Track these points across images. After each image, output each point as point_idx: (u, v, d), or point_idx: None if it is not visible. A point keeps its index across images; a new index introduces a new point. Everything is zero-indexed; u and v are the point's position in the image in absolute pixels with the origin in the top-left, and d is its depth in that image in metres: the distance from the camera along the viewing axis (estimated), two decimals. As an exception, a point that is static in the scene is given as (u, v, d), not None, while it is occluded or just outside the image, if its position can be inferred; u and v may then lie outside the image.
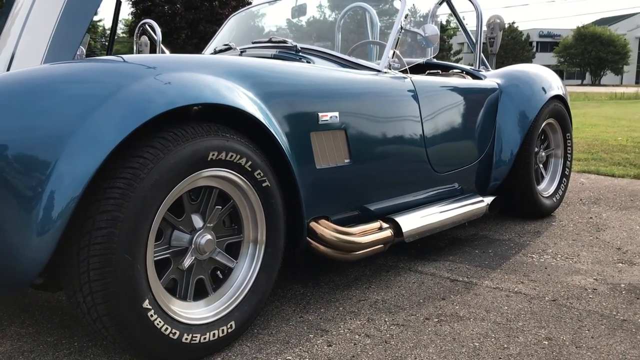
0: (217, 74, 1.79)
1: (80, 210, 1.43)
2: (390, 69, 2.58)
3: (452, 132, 2.84)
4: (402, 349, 1.78)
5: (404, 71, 2.64)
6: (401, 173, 2.52)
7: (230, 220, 1.84)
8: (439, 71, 3.42)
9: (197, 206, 1.73)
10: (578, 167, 5.28)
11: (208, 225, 1.72)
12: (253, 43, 2.83)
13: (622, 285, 2.33)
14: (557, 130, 3.56)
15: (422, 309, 2.09)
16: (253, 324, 1.93)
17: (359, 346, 1.80)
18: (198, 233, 1.69)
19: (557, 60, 59.94)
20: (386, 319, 2.00)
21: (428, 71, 3.40)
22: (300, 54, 2.57)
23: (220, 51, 2.94)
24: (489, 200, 2.95)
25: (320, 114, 2.08)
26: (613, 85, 45.57)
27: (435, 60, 3.57)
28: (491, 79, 3.32)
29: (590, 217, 3.46)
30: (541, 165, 3.51)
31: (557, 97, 3.44)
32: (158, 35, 4.09)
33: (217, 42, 3.27)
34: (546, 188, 3.52)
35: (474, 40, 3.52)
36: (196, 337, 1.65)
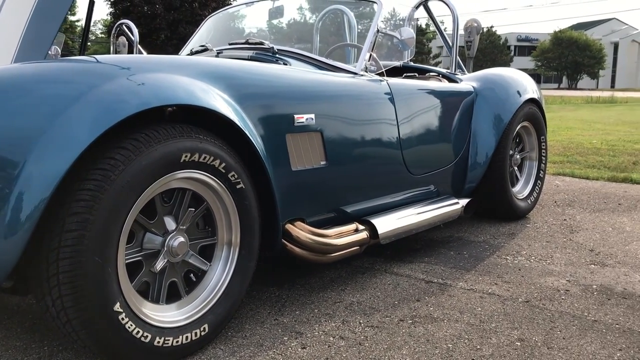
0: (192, 75, 1.78)
1: (50, 212, 1.41)
2: (366, 72, 2.59)
3: (428, 134, 2.86)
4: (376, 351, 1.79)
5: (381, 74, 2.65)
6: (377, 175, 2.53)
7: (204, 223, 1.83)
8: (416, 74, 3.45)
9: (170, 208, 1.71)
10: (553, 169, 5.35)
11: (181, 227, 1.71)
12: (230, 44, 2.82)
13: (594, 286, 2.37)
14: (531, 133, 3.60)
15: (397, 310, 2.10)
16: (227, 327, 1.92)
17: (333, 348, 1.80)
18: (171, 235, 1.68)
19: (535, 64, 60.69)
20: (361, 321, 2.00)
21: (405, 74, 3.42)
22: (277, 55, 2.57)
23: (197, 52, 2.92)
24: (464, 202, 2.98)
25: (296, 116, 2.08)
26: (589, 89, 46.26)
27: (412, 64, 3.60)
28: (467, 82, 3.35)
29: (564, 219, 3.50)
30: (516, 168, 3.55)
31: (532, 101, 3.49)
32: (135, 36, 4.06)
33: (194, 43, 3.25)
34: (521, 190, 3.56)
35: (450, 44, 3.54)
36: (168, 340, 1.63)
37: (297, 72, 2.29)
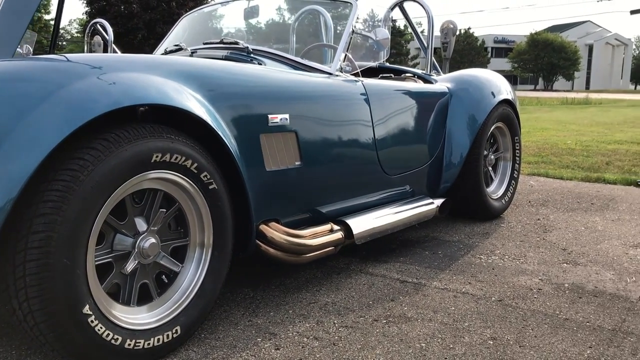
0: (165, 75, 1.77)
1: (16, 213, 1.38)
2: (342, 72, 2.59)
3: (403, 135, 2.87)
4: (349, 351, 1.78)
5: (356, 74, 2.65)
6: (352, 176, 2.53)
7: (176, 224, 1.81)
8: (392, 75, 3.46)
9: (141, 209, 1.69)
10: (528, 169, 5.41)
11: (152, 228, 1.69)
12: (204, 44, 2.81)
13: (566, 285, 2.40)
14: (505, 133, 3.64)
15: (371, 310, 2.10)
16: (200, 329, 1.90)
17: (306, 349, 1.80)
18: (142, 237, 1.66)
19: (511, 65, 61.41)
20: (335, 321, 2.00)
21: (381, 75, 3.43)
22: (251, 55, 2.56)
23: (171, 52, 2.89)
24: (439, 202, 2.99)
25: (270, 116, 2.07)
26: (564, 91, 46.96)
27: (387, 64, 3.61)
28: (442, 83, 3.37)
29: (538, 219, 3.54)
30: (490, 168, 3.59)
31: (506, 102, 3.52)
32: (110, 35, 4.02)
33: (168, 42, 3.22)
34: (495, 190, 3.59)
35: (426, 45, 3.56)
36: (140, 342, 1.61)
37: (271, 72, 2.28)
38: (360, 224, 2.43)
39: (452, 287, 2.34)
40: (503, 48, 69.36)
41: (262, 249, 2.06)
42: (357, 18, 2.78)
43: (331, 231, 2.31)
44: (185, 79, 1.82)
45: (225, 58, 2.53)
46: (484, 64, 54.40)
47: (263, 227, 2.06)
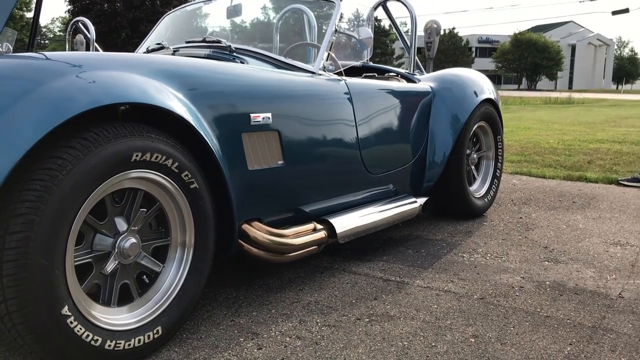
0: (146, 74, 1.75)
1: (-7, 213, 1.36)
2: (325, 71, 2.59)
3: (386, 134, 2.87)
4: (332, 350, 1.78)
5: (339, 73, 2.65)
6: (335, 175, 2.53)
7: (157, 223, 1.80)
8: (375, 74, 3.46)
9: (121, 209, 1.68)
10: (511, 168, 5.46)
11: (133, 228, 1.67)
12: (187, 42, 2.79)
13: (547, 282, 2.42)
14: (488, 132, 3.66)
15: (354, 309, 2.11)
16: (182, 329, 1.89)
17: (289, 348, 1.79)
18: (122, 236, 1.64)
19: (495, 65, 61.87)
20: (318, 320, 2.00)
21: (364, 74, 3.43)
22: (234, 54, 2.55)
23: (153, 50, 2.87)
24: (422, 201, 3.00)
25: (252, 115, 2.06)
26: (548, 90, 47.42)
27: (371, 64, 3.61)
28: (425, 82, 3.38)
29: (520, 217, 3.57)
30: (473, 167, 3.61)
31: (489, 101, 3.54)
32: (92, 33, 3.98)
33: (150, 40, 3.20)
34: (478, 189, 3.61)
35: (409, 44, 3.57)
36: (120, 343, 1.60)
37: (253, 71, 2.28)
38: (344, 223, 2.43)
39: (434, 286, 2.35)
40: (487, 48, 69.87)
41: (244, 248, 2.05)
42: (342, 17, 2.77)
43: (314, 230, 2.31)
44: (166, 77, 1.81)
45: (208, 57, 2.52)
46: (468, 64, 54.73)
47: (245, 226, 2.05)
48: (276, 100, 2.21)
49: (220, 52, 2.56)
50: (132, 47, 23.12)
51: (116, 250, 1.63)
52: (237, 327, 1.94)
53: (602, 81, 74.73)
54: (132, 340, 1.63)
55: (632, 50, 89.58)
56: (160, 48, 2.82)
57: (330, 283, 2.37)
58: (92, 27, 4.00)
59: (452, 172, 3.27)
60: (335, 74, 2.64)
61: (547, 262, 2.69)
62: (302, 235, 2.24)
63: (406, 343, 1.84)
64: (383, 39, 48.11)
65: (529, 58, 58.76)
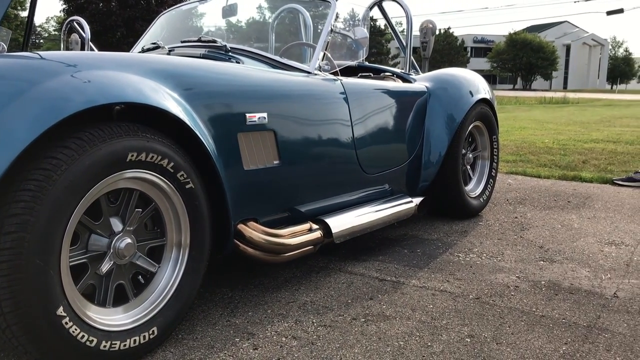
0: (142, 73, 1.75)
1: (-13, 213, 1.35)
2: (320, 71, 2.58)
3: (382, 134, 2.87)
4: (328, 350, 1.78)
5: (335, 73, 2.65)
6: (331, 174, 2.53)
7: (152, 224, 1.79)
8: (371, 74, 3.46)
9: (117, 209, 1.67)
10: (506, 168, 5.47)
11: (128, 228, 1.67)
12: (182, 42, 2.78)
13: (543, 282, 2.42)
14: (483, 132, 3.67)
15: (350, 309, 2.11)
16: (178, 329, 1.89)
17: (285, 348, 1.79)
18: (117, 237, 1.64)
19: (491, 65, 62.00)
20: (314, 320, 2.00)
21: (360, 74, 3.43)
22: (229, 54, 2.54)
23: (149, 50, 2.86)
24: (417, 200, 3.01)
25: (248, 115, 2.06)
26: (542, 90, 47.54)
27: (367, 63, 3.62)
28: (420, 82, 3.38)
29: (516, 217, 3.58)
30: (469, 167, 3.61)
31: (484, 101, 3.55)
32: (87, 33, 3.97)
33: (145, 40, 3.19)
34: (473, 189, 3.62)
35: (405, 44, 3.58)
36: (115, 344, 1.59)
37: (249, 71, 2.27)
38: (339, 223, 2.43)
39: (430, 285, 2.36)
40: (482, 48, 70.01)
41: (240, 248, 2.04)
42: (337, 17, 2.78)
43: (310, 230, 2.30)
44: (162, 77, 1.81)
45: (203, 56, 2.51)
46: (463, 64, 54.84)
47: (241, 226, 2.05)
48: (272, 100, 2.21)
49: (216, 51, 2.56)
50: (127, 46, 23.09)
51: (111, 250, 1.63)
52: (233, 327, 1.94)
53: (597, 81, 75.00)
54: (128, 340, 1.63)
55: (626, 50, 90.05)
56: (155, 47, 2.81)
57: (326, 283, 2.37)
58: (87, 27, 3.99)
59: (448, 172, 3.28)
60: (331, 73, 2.63)
61: (542, 262, 2.69)
62: (298, 235, 2.24)
63: (402, 343, 1.84)
64: (378, 38, 48.16)
65: (524, 58, 58.91)
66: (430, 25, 3.98)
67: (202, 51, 2.57)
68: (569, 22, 75.61)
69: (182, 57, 2.34)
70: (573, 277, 2.48)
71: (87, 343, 1.52)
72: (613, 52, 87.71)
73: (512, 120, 12.53)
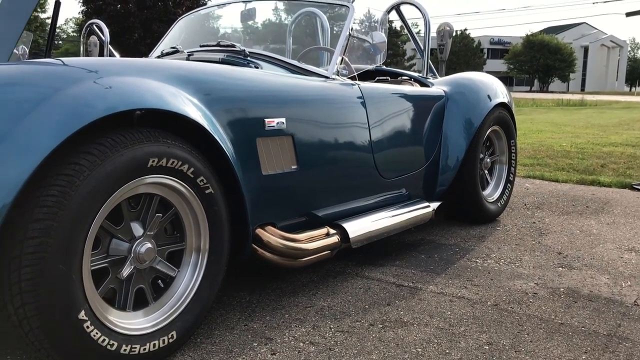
0: (161, 79, 1.76)
1: (12, 218, 1.37)
2: (338, 76, 2.59)
3: (400, 138, 2.87)
4: (345, 356, 1.78)
5: (353, 78, 2.65)
6: (348, 179, 2.53)
7: (172, 228, 1.81)
8: (388, 78, 3.46)
9: (137, 214, 1.69)
10: (523, 172, 5.42)
11: (148, 233, 1.69)
12: (201, 46, 2.80)
13: (561, 289, 2.40)
14: (501, 137, 3.65)
15: (367, 315, 2.10)
16: (196, 333, 1.90)
17: (302, 354, 1.79)
18: (138, 241, 1.65)
19: (507, 67, 61.57)
20: (331, 326, 2.00)
21: (377, 78, 3.43)
22: (248, 58, 2.55)
23: (168, 54, 2.89)
24: (435, 205, 3.00)
25: (266, 120, 2.07)
26: (560, 92, 47.09)
27: (384, 67, 3.61)
28: (438, 86, 3.37)
29: (534, 222, 3.55)
30: (486, 171, 3.59)
31: (502, 105, 3.53)
32: (106, 36, 4.02)
33: (164, 44, 3.21)
34: (491, 193, 3.60)
35: (422, 47, 3.57)
36: (135, 347, 1.61)
37: (268, 76, 2.28)
38: (357, 228, 2.43)
39: (448, 292, 2.35)
40: (499, 49, 69.50)
41: (258, 253, 2.05)
42: (354, 20, 2.78)
43: (327, 235, 2.31)
44: (181, 83, 1.82)
45: (222, 61, 2.53)
46: (480, 65, 54.54)
47: (259, 231, 2.06)
48: (290, 105, 2.22)
49: (235, 56, 2.57)
50: (144, 47, 23.29)
51: (132, 255, 1.64)
52: (250, 331, 1.95)
53: (615, 83, 74.12)
54: (147, 344, 1.64)
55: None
56: (174, 52, 2.84)
57: (343, 288, 2.37)
58: (106, 30, 4.04)
59: (465, 177, 3.26)
60: (349, 78, 2.64)
61: (561, 268, 2.67)
62: (315, 240, 2.24)
63: (420, 350, 1.84)
64: (394, 39, 48.02)
65: (541, 60, 58.41)
66: (448, 28, 3.97)
67: (221, 56, 2.59)
68: (587, 23, 74.82)
69: (201, 62, 2.36)
70: (592, 284, 2.46)
71: (108, 347, 1.54)
72: (632, 53, 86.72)
73: (529, 122, 12.43)
